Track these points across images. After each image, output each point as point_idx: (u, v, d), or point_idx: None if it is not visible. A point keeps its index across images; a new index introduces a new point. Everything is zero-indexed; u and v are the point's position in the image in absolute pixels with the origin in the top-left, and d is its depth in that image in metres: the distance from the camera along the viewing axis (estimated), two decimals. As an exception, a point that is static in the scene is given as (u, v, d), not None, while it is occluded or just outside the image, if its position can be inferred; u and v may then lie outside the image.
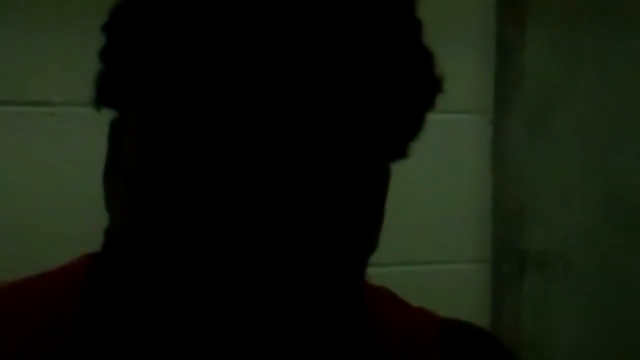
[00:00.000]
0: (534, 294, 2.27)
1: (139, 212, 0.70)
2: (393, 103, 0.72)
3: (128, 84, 0.72)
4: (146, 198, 0.69)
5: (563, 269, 2.28)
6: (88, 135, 1.68)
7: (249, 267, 0.67)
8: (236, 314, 0.68)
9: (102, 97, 0.75)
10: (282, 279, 0.68)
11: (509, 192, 2.24)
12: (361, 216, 0.71)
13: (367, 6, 0.70)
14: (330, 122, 0.68)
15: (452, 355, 0.84)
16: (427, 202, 2.16)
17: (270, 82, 0.67)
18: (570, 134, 2.26)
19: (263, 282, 0.67)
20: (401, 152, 0.76)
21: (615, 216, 2.30)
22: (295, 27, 0.67)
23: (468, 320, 0.89)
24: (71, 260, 0.82)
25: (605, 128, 2.29)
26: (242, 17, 0.67)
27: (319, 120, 0.68)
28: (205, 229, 0.67)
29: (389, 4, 0.71)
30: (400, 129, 0.74)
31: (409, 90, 0.73)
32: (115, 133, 0.75)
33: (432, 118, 0.76)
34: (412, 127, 0.75)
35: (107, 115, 0.76)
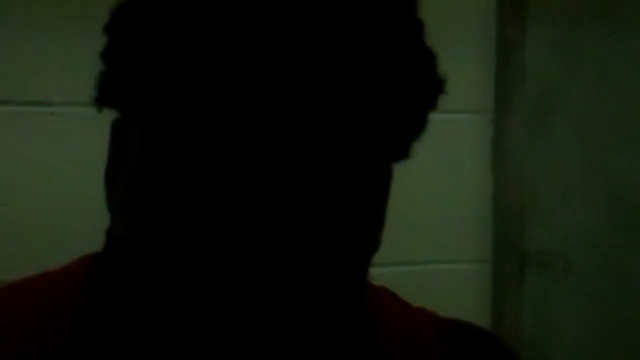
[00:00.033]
0: (534, 293, 2.27)
1: (141, 212, 0.70)
2: (395, 103, 0.72)
3: (130, 84, 0.72)
4: (147, 198, 0.69)
5: (563, 269, 2.28)
6: (88, 135, 1.68)
7: (250, 267, 0.67)
8: (237, 314, 0.68)
9: (104, 97, 0.75)
10: (283, 280, 0.68)
11: (509, 192, 2.24)
12: (363, 216, 0.71)
13: (369, 7, 0.70)
14: (333, 122, 0.68)
15: (452, 355, 0.84)
16: (428, 202, 2.16)
17: (272, 81, 0.67)
18: (570, 134, 2.27)
19: (264, 283, 0.67)
20: (403, 153, 0.76)
21: (616, 216, 2.30)
22: (297, 28, 0.67)
23: (468, 320, 0.89)
24: (72, 261, 0.82)
25: (605, 128, 2.29)
26: (243, 18, 0.67)
27: (321, 121, 0.68)
28: (207, 229, 0.67)
29: (390, 4, 0.71)
30: (402, 130, 0.74)
31: (411, 90, 0.73)
32: (117, 133, 0.75)
33: (433, 118, 0.76)
34: (414, 127, 0.75)
35: (108, 115, 0.76)
